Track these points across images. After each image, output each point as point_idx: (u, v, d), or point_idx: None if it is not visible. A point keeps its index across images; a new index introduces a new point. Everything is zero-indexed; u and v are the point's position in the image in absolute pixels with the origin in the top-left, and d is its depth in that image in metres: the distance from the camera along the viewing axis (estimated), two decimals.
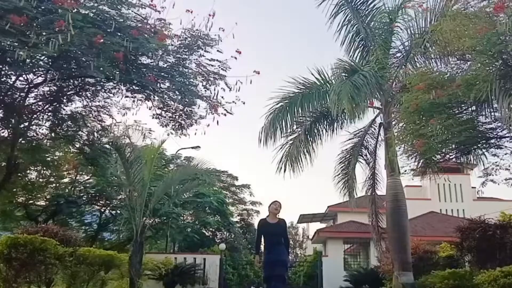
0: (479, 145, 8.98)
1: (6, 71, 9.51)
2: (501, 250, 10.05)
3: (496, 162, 9.55)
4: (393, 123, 11.35)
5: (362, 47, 12.79)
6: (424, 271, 11.43)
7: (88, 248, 9.72)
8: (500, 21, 6.44)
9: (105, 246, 21.96)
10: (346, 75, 11.18)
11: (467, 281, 9.02)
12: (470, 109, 8.17)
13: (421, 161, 9.27)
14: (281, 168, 13.06)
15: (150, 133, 14.99)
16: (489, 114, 8.12)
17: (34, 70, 9.55)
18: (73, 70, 9.83)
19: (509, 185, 9.78)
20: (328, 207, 28.53)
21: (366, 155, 13.82)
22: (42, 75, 10.06)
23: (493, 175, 9.72)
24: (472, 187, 26.95)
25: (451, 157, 9.57)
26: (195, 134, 11.07)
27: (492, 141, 8.81)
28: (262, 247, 7.74)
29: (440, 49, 7.91)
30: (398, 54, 12.54)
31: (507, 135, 8.65)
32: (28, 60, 8.18)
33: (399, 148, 9.66)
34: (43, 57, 8.64)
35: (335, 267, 19.72)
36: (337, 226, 24.00)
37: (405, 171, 10.13)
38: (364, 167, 13.83)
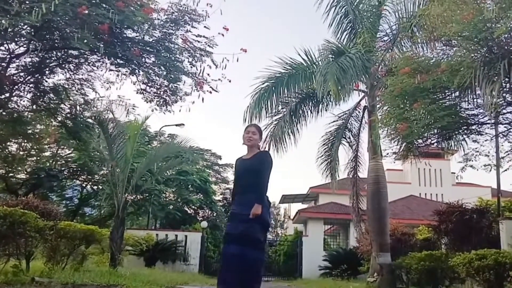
0: (460, 131, 9.10)
1: None
2: (477, 234, 10.31)
3: (476, 148, 9.71)
4: (378, 106, 11.46)
5: (350, 29, 12.78)
6: (402, 252, 11.68)
7: (69, 222, 9.63)
8: (487, 7, 6.48)
9: (86, 221, 21.91)
10: (333, 56, 11.20)
11: (443, 263, 9.25)
12: (453, 94, 8.25)
13: (403, 144, 9.37)
14: (264, 148, 13.10)
15: (134, 108, 14.77)
16: (471, 100, 8.20)
17: (16, 39, 9.30)
18: (56, 41, 9.60)
19: (487, 171, 9.97)
20: (310, 188, 28.76)
21: (349, 138, 13.95)
22: (24, 45, 9.80)
23: (472, 160, 9.88)
24: (452, 173, 27.41)
25: (432, 142, 9.69)
26: (180, 111, 10.95)
27: (473, 127, 8.94)
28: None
29: (427, 34, 7.93)
30: (385, 38, 12.60)
31: (488, 121, 8.78)
32: (10, 29, 7.98)
33: (382, 132, 9.74)
34: (25, 26, 8.41)
35: (315, 247, 20.01)
36: (318, 207, 24.24)
37: (387, 154, 10.25)
38: (347, 150, 13.99)
